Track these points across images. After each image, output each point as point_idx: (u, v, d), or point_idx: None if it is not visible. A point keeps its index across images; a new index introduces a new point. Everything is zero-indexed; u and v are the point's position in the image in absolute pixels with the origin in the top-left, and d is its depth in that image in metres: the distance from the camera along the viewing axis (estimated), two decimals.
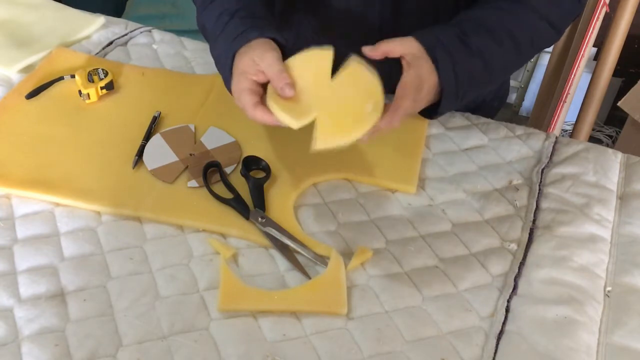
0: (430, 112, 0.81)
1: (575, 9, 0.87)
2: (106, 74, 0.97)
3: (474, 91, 0.81)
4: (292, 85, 0.74)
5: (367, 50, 0.76)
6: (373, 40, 0.92)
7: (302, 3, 1.00)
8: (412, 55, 0.76)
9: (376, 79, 0.75)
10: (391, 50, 0.76)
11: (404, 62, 0.76)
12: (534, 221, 0.83)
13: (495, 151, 0.94)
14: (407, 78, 0.75)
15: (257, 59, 0.76)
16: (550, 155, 0.93)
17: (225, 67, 0.81)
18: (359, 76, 0.76)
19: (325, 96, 0.75)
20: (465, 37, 0.77)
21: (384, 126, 0.74)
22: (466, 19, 0.81)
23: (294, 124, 0.73)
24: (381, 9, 0.93)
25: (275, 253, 0.78)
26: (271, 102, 0.74)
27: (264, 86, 0.77)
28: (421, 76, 0.75)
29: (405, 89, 0.74)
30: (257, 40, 0.78)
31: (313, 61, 0.77)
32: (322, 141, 0.72)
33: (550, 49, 1.89)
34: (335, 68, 0.77)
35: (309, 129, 0.74)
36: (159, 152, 0.88)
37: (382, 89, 0.75)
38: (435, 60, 0.75)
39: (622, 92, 1.79)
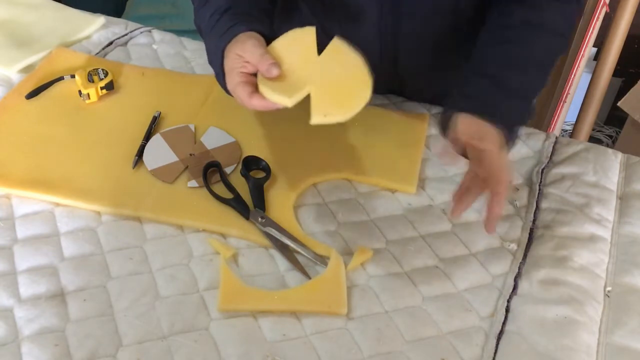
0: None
1: (575, 12, 0.88)
2: (106, 74, 0.97)
3: (521, 124, 0.82)
4: (277, 64, 0.74)
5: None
6: (372, 37, 0.92)
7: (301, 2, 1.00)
8: (472, 136, 0.75)
9: (359, 57, 0.76)
10: (458, 137, 0.75)
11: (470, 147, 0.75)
12: (534, 221, 0.83)
13: None
14: (493, 154, 0.74)
15: (240, 51, 0.76)
16: (550, 155, 0.93)
17: (216, 64, 0.81)
18: (344, 53, 0.77)
19: (314, 72, 0.75)
20: (501, 84, 0.78)
21: (498, 211, 0.73)
22: (491, 62, 0.81)
23: (288, 102, 0.72)
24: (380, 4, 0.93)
25: (275, 253, 0.78)
26: (262, 87, 0.74)
27: (255, 76, 0.77)
28: (494, 141, 0.74)
29: (496, 167, 0.73)
30: (242, 34, 0.78)
31: (297, 40, 0.78)
32: (318, 114, 0.72)
33: None
34: (320, 52, 0.78)
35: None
36: (159, 152, 0.88)
37: (367, 66, 0.75)
38: (491, 120, 0.75)
39: (622, 92, 1.79)
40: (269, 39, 0.79)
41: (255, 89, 0.76)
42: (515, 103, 0.79)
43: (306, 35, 0.78)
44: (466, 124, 0.75)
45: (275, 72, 0.73)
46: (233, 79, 0.77)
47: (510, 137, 0.77)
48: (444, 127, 0.79)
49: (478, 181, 0.75)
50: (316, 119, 0.72)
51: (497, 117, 0.75)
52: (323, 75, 0.75)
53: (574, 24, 0.90)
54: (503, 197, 0.72)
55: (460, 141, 0.75)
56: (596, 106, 1.73)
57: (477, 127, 0.75)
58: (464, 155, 0.76)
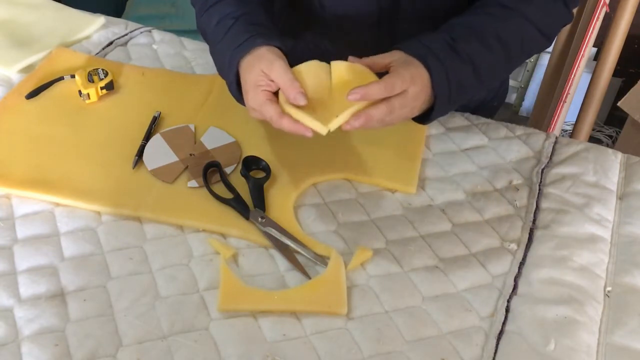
0: (421, 118, 0.82)
1: (566, 18, 0.88)
2: (106, 74, 0.97)
3: (464, 97, 0.82)
4: (304, 93, 0.74)
5: (353, 59, 0.77)
6: (371, 38, 0.92)
7: (300, 3, 1.00)
8: (399, 61, 0.77)
9: (363, 67, 0.78)
10: (376, 62, 0.77)
11: (391, 69, 0.77)
12: (534, 221, 0.83)
13: (495, 151, 0.94)
14: (400, 71, 0.75)
15: (266, 69, 0.76)
16: (550, 155, 0.93)
17: (230, 73, 0.81)
18: (354, 69, 0.78)
19: (338, 96, 0.76)
20: (455, 44, 0.78)
21: (377, 95, 0.73)
22: (456, 24, 0.82)
23: (324, 129, 0.73)
24: (379, 6, 0.93)
25: (275, 253, 0.78)
26: (294, 111, 0.74)
27: (276, 94, 0.78)
28: (413, 74, 0.75)
29: (398, 78, 0.74)
30: (262, 48, 0.78)
31: (312, 68, 0.79)
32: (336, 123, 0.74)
33: (550, 49, 1.89)
34: None
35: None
36: (159, 152, 0.88)
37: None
38: (427, 67, 0.76)
39: (622, 92, 1.80)
40: (285, 54, 0.80)
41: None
42: (461, 66, 0.78)
43: (321, 67, 0.79)
44: (403, 56, 0.76)
45: (302, 101, 0.74)
46: (258, 96, 0.77)
47: (441, 94, 0.77)
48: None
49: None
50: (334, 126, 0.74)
51: (432, 66, 0.76)
52: (342, 96, 0.75)
53: (559, 27, 0.90)
54: (382, 89, 0.72)
55: (381, 63, 0.76)
56: (596, 106, 1.73)
57: (409, 61, 0.75)
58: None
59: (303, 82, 0.76)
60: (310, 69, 0.79)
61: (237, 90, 0.82)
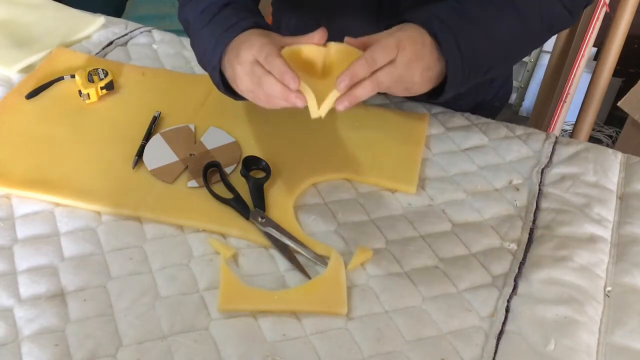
0: (434, 94, 0.76)
1: (566, 21, 0.84)
2: (106, 74, 0.97)
3: (481, 66, 0.75)
4: (297, 78, 0.69)
5: (348, 40, 0.72)
6: (372, 29, 0.90)
7: None
8: (391, 31, 0.70)
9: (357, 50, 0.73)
10: (372, 39, 0.70)
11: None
12: (534, 221, 0.83)
13: (495, 151, 0.94)
14: (383, 41, 0.68)
15: (257, 54, 0.72)
16: (550, 155, 0.93)
17: (214, 58, 0.77)
18: (348, 51, 0.73)
19: (326, 79, 0.73)
20: (463, 7, 0.72)
21: (360, 73, 0.67)
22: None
23: (315, 114, 0.70)
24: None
25: (275, 253, 0.78)
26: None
27: None
28: (400, 39, 0.68)
29: (379, 49, 0.68)
30: (251, 30, 0.75)
31: (309, 48, 0.74)
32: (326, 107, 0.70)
33: (550, 49, 1.89)
34: None
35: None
36: (159, 152, 0.88)
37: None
38: (431, 32, 0.70)
39: (622, 92, 1.79)
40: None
41: None
42: (470, 28, 0.72)
43: (317, 49, 0.74)
44: (405, 25, 0.70)
45: (294, 85, 0.69)
46: (256, 70, 0.72)
47: (454, 60, 0.71)
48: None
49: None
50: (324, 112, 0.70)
51: (438, 30, 0.70)
52: (332, 78, 0.71)
53: (582, 4, 0.84)
54: (364, 63, 0.67)
55: (378, 38, 0.69)
56: (596, 106, 1.74)
57: (396, 32, 0.69)
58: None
59: (298, 63, 0.72)
60: (307, 50, 0.74)
61: (220, 78, 0.79)
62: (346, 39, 0.73)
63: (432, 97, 0.78)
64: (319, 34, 0.72)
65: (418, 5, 0.76)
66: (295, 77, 0.68)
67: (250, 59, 0.72)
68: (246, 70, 0.73)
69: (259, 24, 0.77)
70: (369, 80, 0.68)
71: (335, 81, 0.68)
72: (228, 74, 0.79)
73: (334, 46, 0.74)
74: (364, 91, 0.68)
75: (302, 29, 0.81)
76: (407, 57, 0.69)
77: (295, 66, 0.71)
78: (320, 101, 0.70)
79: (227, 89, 0.82)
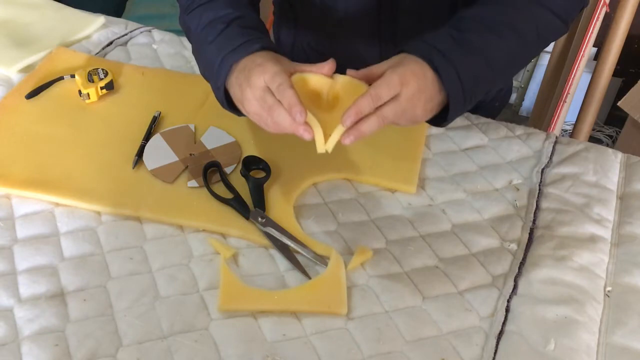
0: (437, 120, 0.77)
1: (582, 1, 0.84)
2: (106, 74, 0.97)
3: (482, 90, 0.77)
4: (305, 112, 0.69)
5: (351, 72, 0.73)
6: (372, 44, 0.90)
7: (299, 8, 0.99)
8: (393, 65, 0.71)
9: (362, 83, 0.73)
10: (373, 71, 0.72)
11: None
12: (534, 221, 0.83)
13: (495, 151, 0.94)
14: (387, 77, 0.69)
15: (269, 80, 0.72)
16: (550, 155, 0.93)
17: (219, 78, 0.77)
18: (352, 84, 0.74)
19: (331, 113, 0.73)
20: (462, 37, 0.73)
21: (365, 109, 0.68)
22: (460, 17, 0.77)
23: (322, 148, 0.71)
24: (379, 11, 0.93)
25: (275, 253, 0.78)
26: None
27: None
28: (403, 75, 0.69)
29: (383, 85, 0.69)
30: (260, 53, 0.75)
31: (315, 78, 0.75)
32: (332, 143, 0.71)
33: (550, 49, 1.89)
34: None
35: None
36: (159, 152, 0.88)
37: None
38: (433, 66, 0.71)
39: (622, 92, 1.79)
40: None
41: None
42: (470, 58, 0.73)
43: (322, 79, 0.75)
44: (405, 56, 0.71)
45: (301, 119, 0.69)
46: (268, 99, 0.72)
47: (455, 92, 0.72)
48: None
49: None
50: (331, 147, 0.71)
51: (439, 64, 0.71)
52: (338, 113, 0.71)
53: (575, 10, 0.84)
54: (369, 99, 0.68)
55: (379, 70, 0.71)
56: (596, 106, 1.73)
57: (398, 68, 0.70)
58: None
59: (305, 91, 0.73)
60: (314, 79, 0.75)
61: (224, 95, 0.78)
62: (349, 71, 0.74)
63: (436, 122, 0.78)
64: (329, 65, 0.73)
65: (415, 11, 0.76)
66: (303, 111, 0.69)
67: (261, 85, 0.72)
68: (256, 95, 0.73)
69: (268, 46, 0.77)
70: (374, 116, 0.69)
71: (341, 116, 0.69)
72: (234, 93, 0.77)
73: (340, 78, 0.74)
74: (370, 126, 0.70)
75: (298, 44, 0.81)
76: (410, 92, 0.70)
77: (302, 94, 0.71)
78: (326, 134, 0.71)
79: (231, 105, 0.80)
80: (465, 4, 0.81)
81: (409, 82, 0.70)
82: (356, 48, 0.96)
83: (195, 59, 0.85)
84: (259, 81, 0.72)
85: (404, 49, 0.74)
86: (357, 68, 0.75)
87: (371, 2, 0.94)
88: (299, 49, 1.06)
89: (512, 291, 0.75)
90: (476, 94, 0.76)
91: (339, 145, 0.91)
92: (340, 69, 0.75)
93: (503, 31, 0.75)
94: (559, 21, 0.80)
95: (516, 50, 0.78)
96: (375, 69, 0.73)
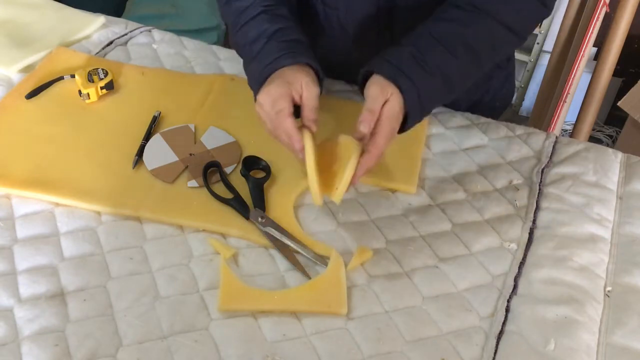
0: None
1: (539, 13, 0.86)
2: (106, 74, 0.97)
3: (436, 106, 0.85)
4: (301, 143, 0.76)
5: (364, 129, 0.76)
6: (370, 12, 0.92)
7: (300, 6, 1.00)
8: (384, 111, 0.77)
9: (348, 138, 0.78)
10: (375, 112, 0.76)
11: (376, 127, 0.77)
12: (534, 221, 0.83)
13: (495, 151, 0.94)
14: (387, 113, 0.76)
15: (270, 106, 0.78)
16: (550, 155, 0.93)
17: (254, 91, 0.84)
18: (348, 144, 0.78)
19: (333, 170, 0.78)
20: (422, 57, 0.79)
21: (372, 165, 0.76)
22: (421, 35, 0.81)
23: (318, 201, 0.77)
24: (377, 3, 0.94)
25: (275, 253, 0.78)
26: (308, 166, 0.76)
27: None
28: (391, 115, 0.77)
29: (382, 138, 0.76)
30: (281, 71, 0.80)
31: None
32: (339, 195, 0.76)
33: (550, 49, 1.89)
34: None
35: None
36: (159, 152, 0.88)
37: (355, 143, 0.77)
38: (400, 88, 0.77)
39: (622, 92, 1.79)
40: (315, 69, 0.82)
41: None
42: (431, 80, 0.79)
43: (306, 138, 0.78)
44: (375, 87, 0.77)
45: (314, 128, 0.78)
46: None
47: (414, 110, 0.78)
48: (362, 86, 0.80)
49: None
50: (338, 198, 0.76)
51: (404, 86, 0.77)
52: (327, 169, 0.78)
53: (533, 24, 0.89)
54: (374, 157, 0.75)
55: (376, 110, 0.76)
56: (596, 106, 1.73)
57: (384, 90, 0.76)
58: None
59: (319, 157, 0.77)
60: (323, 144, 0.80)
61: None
62: (341, 137, 0.79)
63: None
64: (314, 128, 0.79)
65: (412, 10, 0.83)
66: (299, 141, 0.76)
67: (264, 106, 0.79)
68: (261, 111, 0.80)
69: (298, 60, 0.81)
70: (375, 156, 0.76)
71: (345, 170, 0.74)
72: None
73: (343, 139, 0.79)
74: (373, 162, 0.77)
75: None
76: (396, 123, 0.78)
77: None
78: (325, 186, 0.76)
79: None
80: None
81: (396, 117, 0.77)
82: (354, 39, 0.97)
83: (246, 73, 0.89)
84: (264, 100, 0.79)
85: (370, 69, 0.79)
86: (351, 60, 0.82)
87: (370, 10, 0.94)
88: None
89: (512, 291, 0.75)
90: (430, 108, 0.84)
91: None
92: (336, 61, 0.78)
93: (459, 50, 0.81)
94: (513, 35, 0.84)
95: (470, 67, 0.83)
96: (367, 117, 0.77)
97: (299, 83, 0.79)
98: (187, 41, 1.14)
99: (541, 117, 1.89)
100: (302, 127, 0.78)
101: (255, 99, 0.82)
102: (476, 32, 0.82)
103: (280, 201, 0.83)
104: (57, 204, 0.81)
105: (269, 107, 0.78)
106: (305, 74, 0.80)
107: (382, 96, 0.76)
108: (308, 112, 0.78)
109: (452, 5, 0.83)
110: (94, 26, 1.13)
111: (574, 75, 1.69)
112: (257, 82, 0.83)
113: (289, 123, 0.77)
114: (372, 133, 0.76)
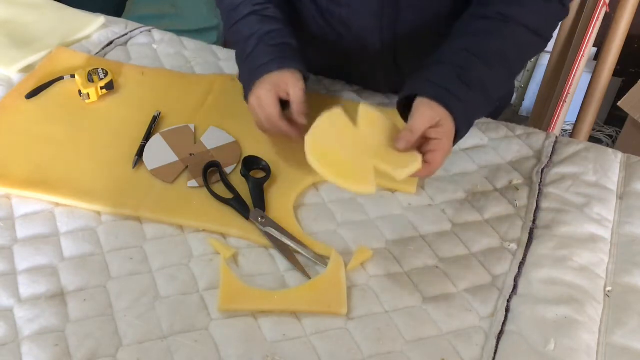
0: None
1: (560, 14, 0.87)
2: (106, 74, 0.97)
3: (478, 118, 0.88)
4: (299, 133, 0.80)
5: (400, 146, 0.76)
6: (372, 27, 0.92)
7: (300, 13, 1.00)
8: (436, 128, 0.77)
9: (384, 115, 0.79)
10: (416, 132, 0.76)
11: (430, 144, 0.77)
12: (534, 221, 0.83)
13: (495, 151, 0.94)
14: (448, 134, 0.77)
15: (260, 113, 0.85)
16: (550, 155, 0.93)
17: (245, 91, 0.88)
18: (375, 119, 0.78)
19: (362, 147, 0.76)
20: (465, 75, 0.79)
21: (426, 176, 0.82)
22: (457, 51, 0.81)
23: (362, 189, 0.74)
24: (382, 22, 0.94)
25: (275, 253, 0.78)
26: (325, 169, 0.74)
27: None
28: (445, 133, 0.77)
29: (440, 154, 0.77)
30: (270, 75, 0.85)
31: (331, 122, 0.77)
32: (401, 174, 0.74)
33: (550, 49, 1.89)
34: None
35: (309, 126, 0.74)
36: (159, 152, 0.88)
37: (393, 122, 0.78)
38: (449, 109, 0.77)
39: (622, 92, 1.79)
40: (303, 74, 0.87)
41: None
42: (474, 95, 0.80)
43: (337, 117, 0.77)
44: (425, 108, 0.77)
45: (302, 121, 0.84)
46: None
47: (463, 127, 0.79)
48: (402, 108, 0.82)
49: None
50: (401, 177, 0.75)
51: (454, 107, 0.77)
52: (372, 149, 0.76)
53: (555, 25, 0.90)
54: (431, 171, 0.77)
55: (417, 129, 0.76)
56: (596, 106, 1.73)
57: (433, 112, 0.77)
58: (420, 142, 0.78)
59: (320, 141, 0.75)
60: (325, 127, 0.77)
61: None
62: (361, 105, 0.79)
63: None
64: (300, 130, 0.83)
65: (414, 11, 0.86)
66: (299, 134, 0.82)
67: (255, 108, 0.86)
68: (252, 112, 0.87)
69: (285, 65, 0.85)
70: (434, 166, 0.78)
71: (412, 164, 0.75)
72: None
73: (363, 115, 0.78)
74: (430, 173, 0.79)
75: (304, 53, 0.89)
76: (449, 140, 0.79)
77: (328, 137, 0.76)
78: (363, 175, 0.74)
79: None
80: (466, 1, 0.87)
81: (449, 135, 0.78)
82: (358, 38, 0.97)
83: (239, 69, 0.93)
84: (252, 101, 0.86)
85: (413, 89, 0.79)
86: (356, 61, 0.86)
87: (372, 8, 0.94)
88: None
89: (512, 291, 0.75)
90: (474, 122, 0.85)
91: None
92: (339, 63, 0.79)
93: (494, 62, 0.81)
94: (539, 39, 0.85)
95: (505, 76, 0.85)
96: (413, 134, 0.76)
97: (285, 83, 0.85)
98: (187, 41, 1.14)
99: (541, 117, 1.89)
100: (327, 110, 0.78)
101: (246, 99, 0.87)
102: (508, 41, 0.83)
103: (280, 201, 0.83)
104: (57, 204, 0.81)
105: (259, 110, 0.85)
106: (291, 74, 0.85)
107: (431, 118, 0.76)
108: (296, 106, 0.84)
109: (477, 16, 0.84)
110: (94, 26, 1.13)
111: (574, 75, 1.69)
112: (246, 81, 0.88)
113: (281, 124, 0.84)
114: (433, 150, 0.76)
